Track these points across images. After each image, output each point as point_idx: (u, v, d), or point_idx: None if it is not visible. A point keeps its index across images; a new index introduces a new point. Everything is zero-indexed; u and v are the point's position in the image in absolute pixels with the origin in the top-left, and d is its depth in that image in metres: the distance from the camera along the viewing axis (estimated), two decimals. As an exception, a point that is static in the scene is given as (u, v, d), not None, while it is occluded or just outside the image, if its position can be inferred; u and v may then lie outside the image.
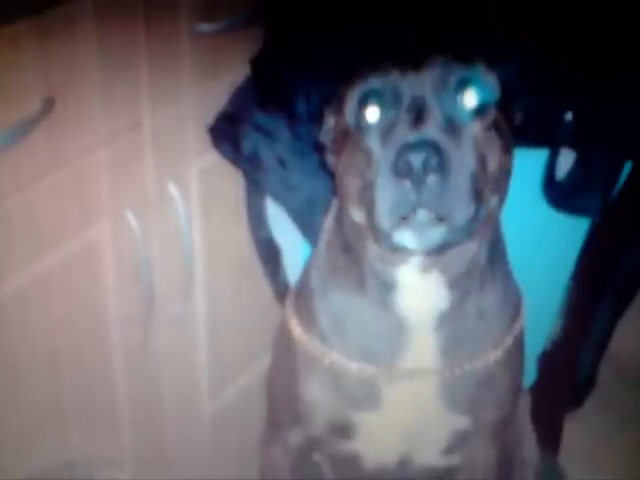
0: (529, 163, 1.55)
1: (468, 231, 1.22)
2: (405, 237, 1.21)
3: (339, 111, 1.32)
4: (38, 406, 1.51)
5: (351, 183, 1.28)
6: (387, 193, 1.19)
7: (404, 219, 1.19)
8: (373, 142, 1.24)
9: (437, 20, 1.53)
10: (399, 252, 1.27)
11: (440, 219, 1.19)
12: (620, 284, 1.96)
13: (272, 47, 1.68)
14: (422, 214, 1.18)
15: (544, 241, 1.67)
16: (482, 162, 1.22)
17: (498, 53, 1.38)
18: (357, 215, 1.29)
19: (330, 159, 1.39)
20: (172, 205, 1.65)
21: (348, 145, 1.29)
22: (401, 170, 1.16)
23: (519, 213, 1.44)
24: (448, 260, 1.31)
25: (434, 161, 1.15)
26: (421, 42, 1.49)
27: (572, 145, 1.62)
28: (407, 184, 1.16)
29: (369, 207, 1.22)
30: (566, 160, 1.63)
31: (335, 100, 1.34)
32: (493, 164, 1.24)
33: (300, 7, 1.62)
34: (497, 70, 1.29)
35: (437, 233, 1.20)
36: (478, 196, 1.20)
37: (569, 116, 1.58)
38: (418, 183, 1.16)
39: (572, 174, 1.63)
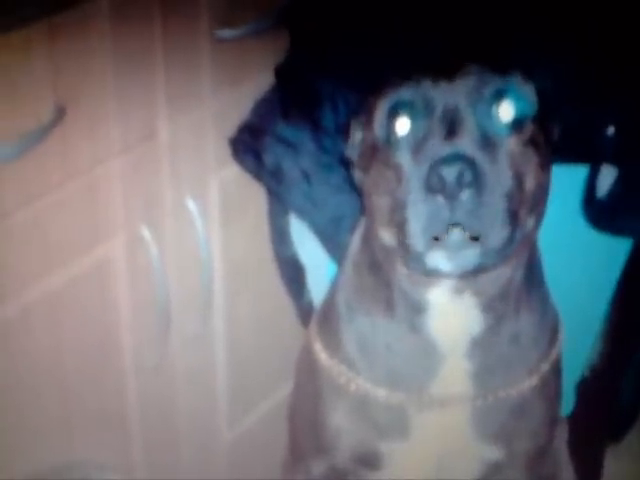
0: (568, 180, 1.53)
1: (503, 254, 1.20)
2: (438, 259, 1.20)
3: (367, 124, 1.31)
4: (46, 430, 1.50)
5: (380, 202, 1.26)
6: (419, 211, 1.18)
7: (437, 239, 1.17)
8: (404, 157, 1.22)
9: (472, 27, 1.52)
10: (431, 275, 1.25)
11: (474, 239, 1.17)
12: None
13: (298, 54, 1.67)
14: (456, 233, 1.17)
15: (583, 262, 1.65)
16: (519, 180, 1.20)
17: (536, 63, 1.40)
18: (386, 236, 1.27)
19: (357, 175, 1.38)
20: (190, 220, 1.63)
21: (377, 161, 1.27)
22: (434, 185, 1.15)
23: (557, 233, 1.42)
24: (482, 282, 1.28)
25: (468, 176, 1.14)
26: (455, 50, 1.48)
27: (614, 161, 1.60)
28: (440, 200, 1.15)
29: (400, 227, 1.21)
30: (607, 177, 1.61)
31: (363, 112, 1.33)
32: (530, 182, 1.22)
33: (327, 12, 1.62)
34: (535, 81, 1.27)
35: (471, 254, 1.19)
36: (514, 217, 1.19)
37: (611, 130, 1.56)
38: (451, 199, 1.15)
39: (614, 192, 1.61)
